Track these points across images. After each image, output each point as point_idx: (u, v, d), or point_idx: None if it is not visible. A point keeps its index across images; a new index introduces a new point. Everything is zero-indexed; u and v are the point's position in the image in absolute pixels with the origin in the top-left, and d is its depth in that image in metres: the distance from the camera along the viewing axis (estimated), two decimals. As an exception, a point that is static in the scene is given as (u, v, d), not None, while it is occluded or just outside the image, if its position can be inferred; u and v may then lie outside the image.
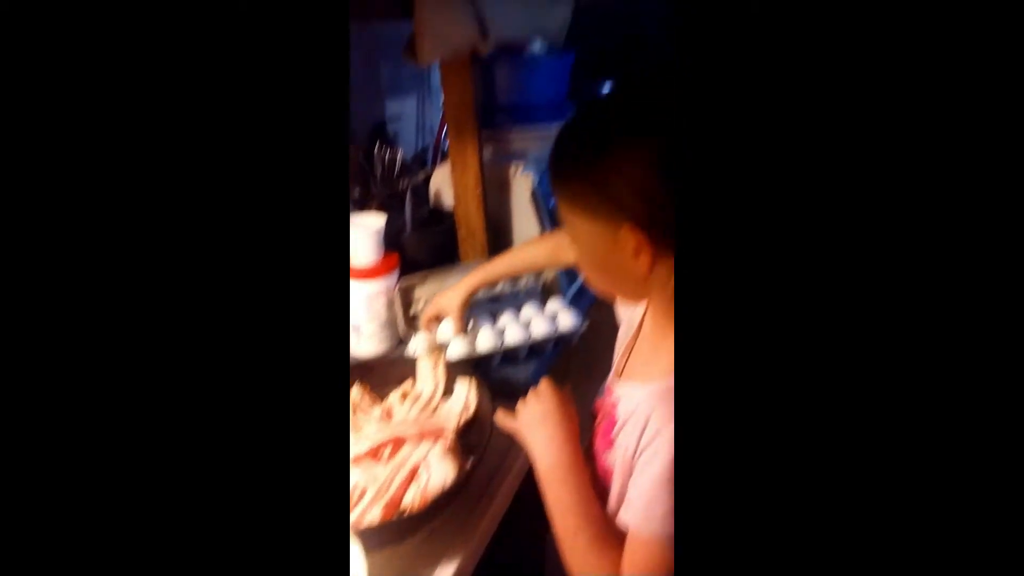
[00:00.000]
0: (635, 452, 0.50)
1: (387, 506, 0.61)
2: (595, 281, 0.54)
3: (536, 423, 0.62)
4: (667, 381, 0.49)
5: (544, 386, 0.64)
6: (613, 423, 0.55)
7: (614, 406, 0.56)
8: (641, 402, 0.51)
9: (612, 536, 0.51)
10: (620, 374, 0.58)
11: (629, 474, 0.51)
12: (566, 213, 0.50)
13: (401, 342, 0.96)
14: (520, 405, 0.64)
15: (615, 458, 0.54)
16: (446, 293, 0.87)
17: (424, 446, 0.68)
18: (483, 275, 0.86)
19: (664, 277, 0.48)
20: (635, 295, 0.53)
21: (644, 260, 0.46)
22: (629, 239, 0.46)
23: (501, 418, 0.64)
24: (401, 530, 0.60)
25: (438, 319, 0.89)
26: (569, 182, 0.48)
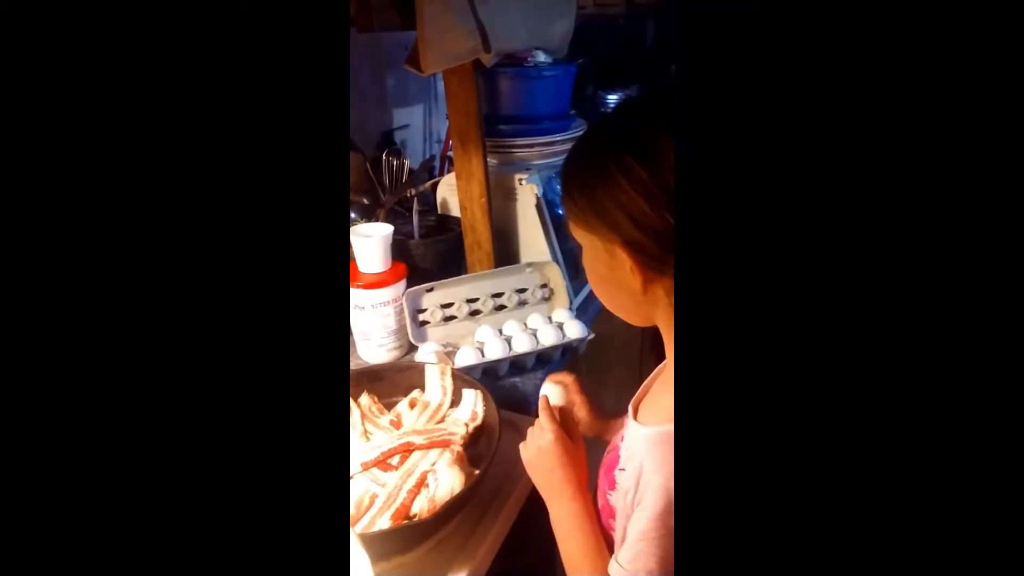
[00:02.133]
0: (633, 498, 0.48)
1: (396, 514, 0.61)
2: (602, 297, 0.54)
3: (534, 466, 0.61)
4: (667, 427, 0.47)
5: (542, 418, 0.62)
6: (616, 462, 0.54)
7: (619, 444, 0.55)
8: (639, 445, 0.49)
9: None
10: (635, 409, 0.56)
11: (630, 518, 0.49)
12: (573, 226, 0.51)
13: (410, 350, 0.97)
14: (523, 444, 0.63)
15: (617, 500, 0.52)
16: None
17: (433, 454, 0.68)
18: None
19: (665, 301, 0.48)
20: (638, 315, 0.52)
21: (638, 277, 0.47)
22: (623, 256, 0.46)
23: (521, 450, 0.64)
24: (410, 538, 0.60)
25: None
26: (573, 197, 0.49)
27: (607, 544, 0.55)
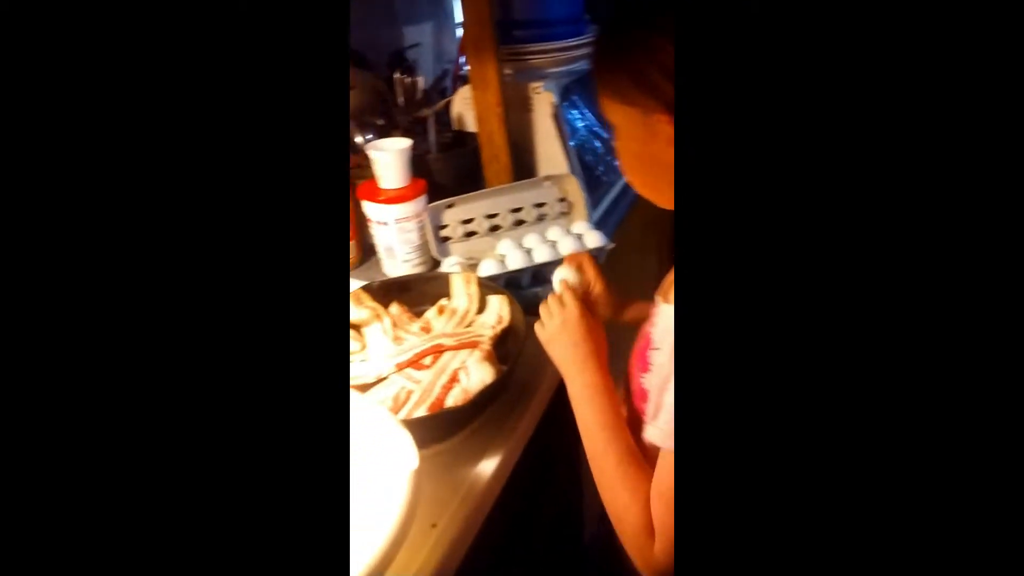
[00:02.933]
0: (670, 371, 0.49)
1: (431, 407, 0.65)
2: (635, 178, 0.55)
3: (556, 340, 0.63)
4: None
5: (565, 295, 0.64)
6: (648, 345, 0.55)
7: (651, 328, 0.56)
8: (672, 322, 0.50)
9: (639, 457, 0.52)
10: (663, 295, 0.57)
11: (664, 390, 0.50)
12: (607, 104, 0.51)
13: (434, 266, 0.99)
14: (540, 320, 0.65)
15: (651, 382, 0.54)
16: None
17: (463, 354, 0.71)
18: None
19: None
20: (671, 194, 0.52)
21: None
22: (662, 127, 0.47)
23: (537, 329, 0.66)
24: (446, 425, 0.64)
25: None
26: (610, 70, 0.49)
27: (634, 421, 0.57)
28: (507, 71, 1.09)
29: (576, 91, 1.15)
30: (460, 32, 1.55)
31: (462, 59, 1.39)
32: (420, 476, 0.51)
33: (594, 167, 1.20)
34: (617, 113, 0.51)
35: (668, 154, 0.48)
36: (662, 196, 0.54)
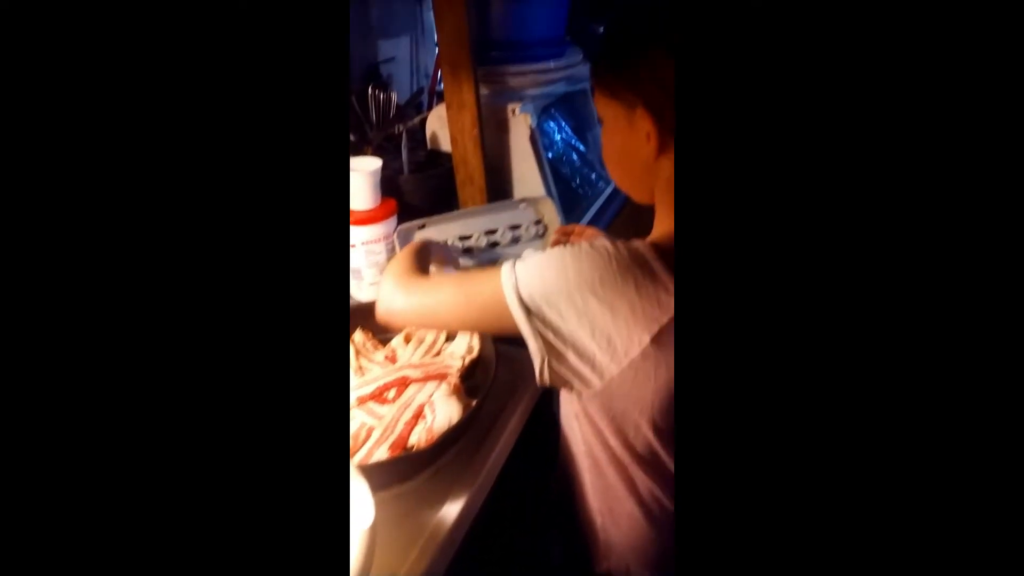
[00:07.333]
0: None
1: (393, 445, 0.61)
2: (615, 170, 0.59)
3: None
4: None
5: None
6: None
7: None
8: None
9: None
10: None
11: None
12: (599, 97, 0.56)
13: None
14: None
15: None
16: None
17: (429, 387, 0.67)
18: None
19: (667, 174, 0.53)
20: (644, 189, 0.57)
21: (652, 144, 0.52)
22: (642, 122, 0.52)
23: None
24: (408, 468, 0.60)
25: None
26: (605, 71, 0.55)
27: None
28: (484, 92, 1.07)
29: (555, 108, 1.14)
30: (438, 47, 1.53)
31: (439, 74, 1.37)
32: (377, 527, 0.47)
33: (570, 179, 1.19)
34: (605, 106, 0.56)
35: (645, 149, 0.53)
36: (635, 189, 0.58)
